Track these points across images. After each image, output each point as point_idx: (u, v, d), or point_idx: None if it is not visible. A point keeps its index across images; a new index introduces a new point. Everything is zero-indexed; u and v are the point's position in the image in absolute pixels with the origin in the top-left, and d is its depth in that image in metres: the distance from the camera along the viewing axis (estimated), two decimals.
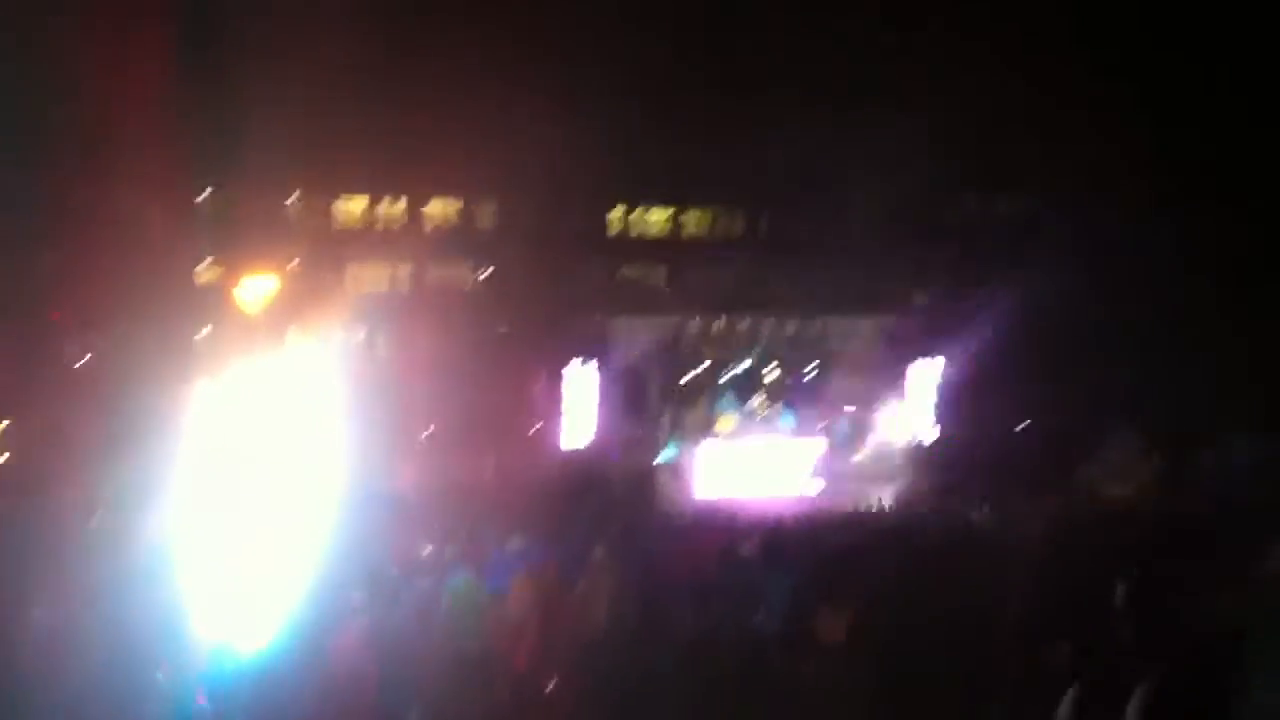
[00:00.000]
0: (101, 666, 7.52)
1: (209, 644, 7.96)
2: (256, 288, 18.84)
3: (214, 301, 18.75)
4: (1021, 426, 19.24)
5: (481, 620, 9.00)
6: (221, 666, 7.97)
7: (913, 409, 19.43)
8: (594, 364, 19.43)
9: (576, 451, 18.88)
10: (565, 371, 19.19)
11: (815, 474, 18.59)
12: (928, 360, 19.39)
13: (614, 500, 14.12)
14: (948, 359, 19.22)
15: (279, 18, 19.77)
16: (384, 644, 8.74)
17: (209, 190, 22.20)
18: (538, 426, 19.34)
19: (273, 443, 9.57)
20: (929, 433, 19.21)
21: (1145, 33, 21.24)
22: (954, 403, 18.90)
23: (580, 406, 19.15)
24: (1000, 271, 20.87)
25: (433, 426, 17.82)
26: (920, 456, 18.76)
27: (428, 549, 10.62)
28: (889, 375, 20.45)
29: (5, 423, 14.90)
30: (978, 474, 15.74)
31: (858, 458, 19.71)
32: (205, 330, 17.32)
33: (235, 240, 20.48)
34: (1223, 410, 17.47)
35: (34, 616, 8.36)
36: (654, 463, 18.85)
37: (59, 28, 17.06)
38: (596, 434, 19.11)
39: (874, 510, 14.78)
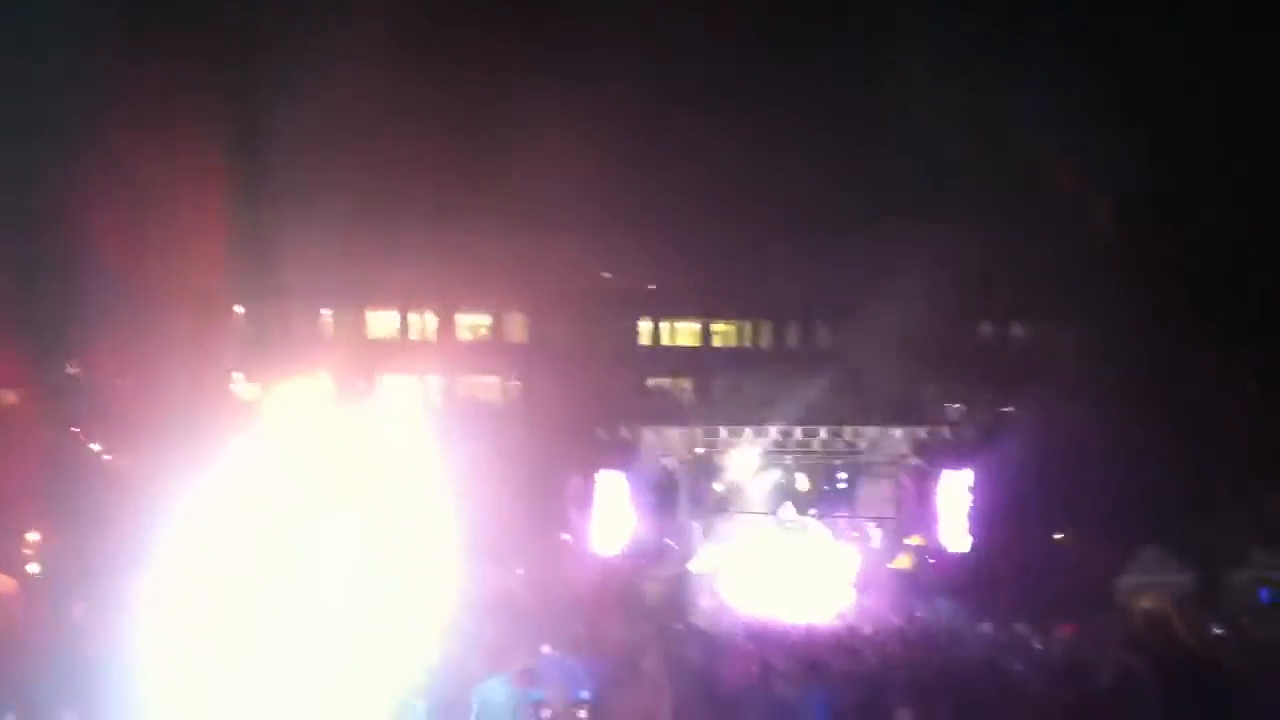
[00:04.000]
0: None
1: None
2: (290, 398, 18.93)
3: (249, 412, 18.87)
4: (1053, 540, 19.11)
5: None
6: None
7: (944, 521, 19.27)
8: (625, 473, 19.42)
9: (608, 560, 18.77)
10: (596, 480, 19.18)
11: (848, 585, 18.42)
12: (958, 472, 19.29)
13: (647, 610, 14.02)
14: (978, 471, 19.11)
15: (316, 139, 20.28)
16: None
17: (244, 305, 22.55)
18: (569, 535, 19.30)
19: (307, 551, 9.58)
20: (960, 545, 19.03)
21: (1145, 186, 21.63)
22: (985, 515, 18.75)
23: (611, 515, 19.09)
24: (1029, 388, 20.94)
25: (465, 535, 17.78)
26: (953, 569, 18.55)
27: (461, 658, 10.55)
28: (920, 487, 20.34)
29: (35, 535, 14.97)
30: (1010, 588, 15.57)
31: (890, 568, 19.54)
32: (240, 440, 17.41)
33: (270, 352, 20.72)
34: (1253, 527, 17.39)
35: None
36: (686, 572, 18.74)
37: (105, 147, 17.51)
38: (628, 542, 19.03)
39: (908, 624, 14.60)
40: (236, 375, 21.02)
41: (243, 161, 18.68)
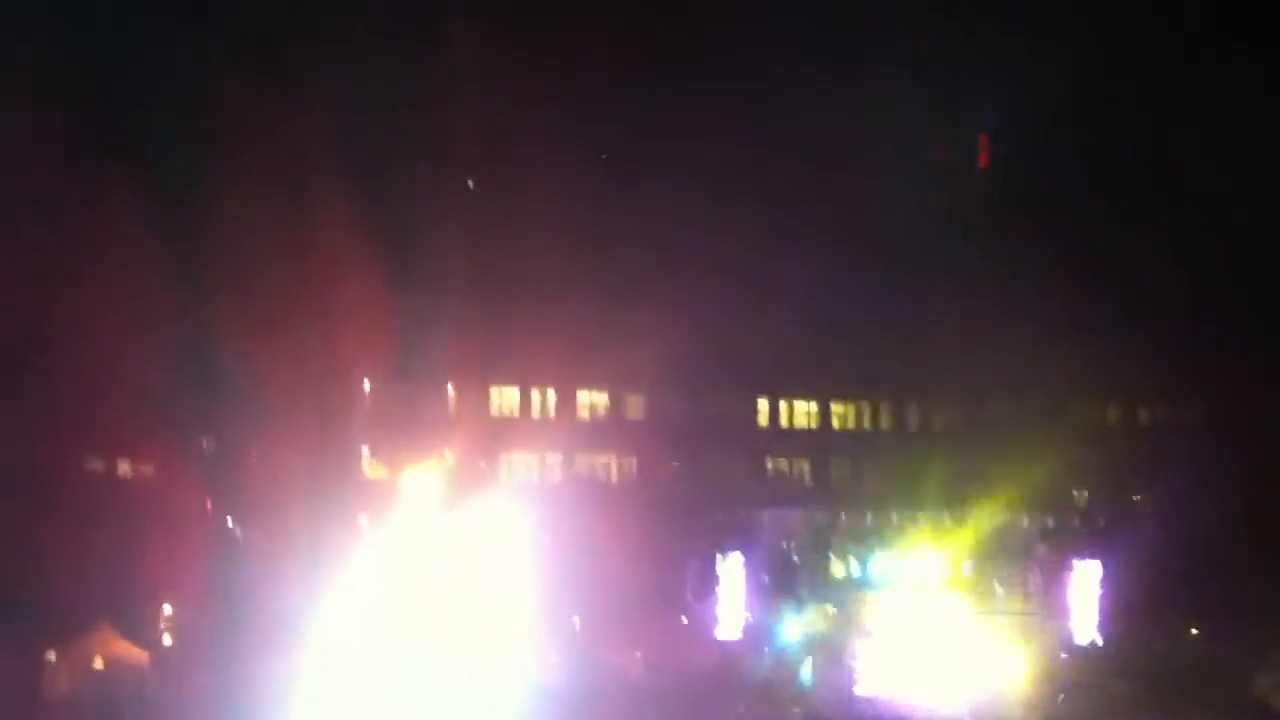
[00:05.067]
0: None
1: None
2: (415, 477, 19.32)
3: (373, 492, 19.25)
4: (1187, 634, 18.41)
5: None
6: None
7: (1075, 612, 18.72)
8: (745, 555, 19.24)
9: (727, 644, 18.57)
10: (717, 563, 19.04)
11: (974, 675, 17.91)
12: (1088, 562, 18.75)
13: (771, 695, 13.84)
14: (1109, 561, 18.56)
15: (442, 221, 20.80)
16: None
17: (371, 382, 23.03)
18: (687, 618, 19.14)
19: (433, 624, 9.73)
20: (1091, 636, 18.44)
21: None
22: (1116, 608, 18.18)
23: (731, 598, 18.90)
24: (1160, 474, 20.33)
25: (583, 615, 17.81)
26: (1086, 660, 17.99)
27: None
28: (1049, 575, 19.79)
29: (168, 608, 15.32)
30: (1147, 681, 15.04)
31: (1023, 658, 18.96)
32: (370, 516, 17.77)
33: (396, 430, 21.11)
34: None
35: None
36: (809, 656, 18.42)
37: (245, 230, 18.15)
38: (748, 625, 18.79)
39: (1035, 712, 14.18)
40: (364, 452, 21.43)
41: (375, 243, 19.21)
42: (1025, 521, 20.69)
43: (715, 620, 18.90)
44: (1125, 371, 23.55)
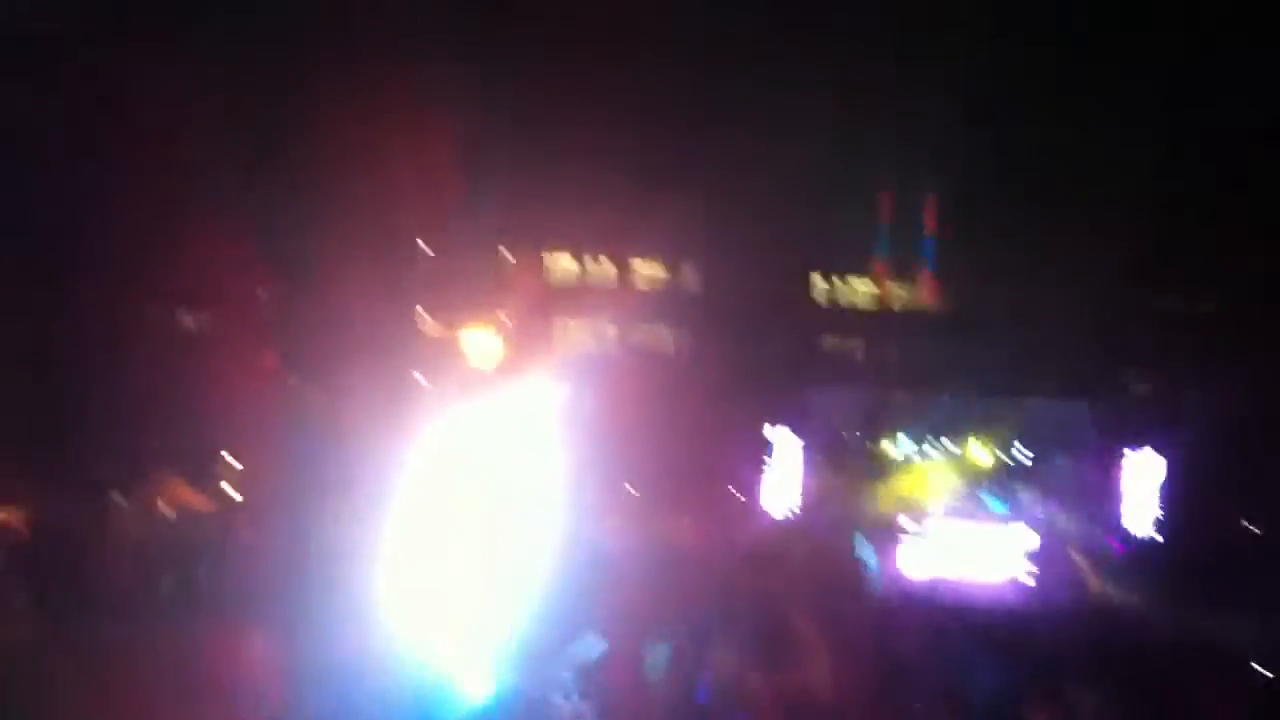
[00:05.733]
0: (326, 696, 7.79)
1: (421, 684, 8.17)
2: (471, 339, 19.44)
3: (430, 352, 19.40)
4: (1247, 528, 18.28)
5: (691, 684, 9.03)
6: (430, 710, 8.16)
7: (1129, 502, 18.66)
8: (797, 433, 19.32)
9: (779, 520, 18.75)
10: (769, 438, 19.13)
11: (1025, 563, 17.99)
12: (1145, 451, 18.62)
13: (818, 573, 13.96)
14: (1167, 451, 18.42)
15: (500, 80, 20.51)
16: (592, 703, 8.83)
17: (428, 243, 23.01)
18: (738, 490, 19.32)
19: (487, 489, 9.81)
20: (1146, 528, 18.40)
21: None
22: (1174, 498, 18.09)
23: (783, 475, 19.04)
24: (1224, 364, 19.96)
25: (638, 485, 18.01)
26: (1138, 553, 17.99)
27: (637, 610, 10.68)
28: (1104, 465, 19.70)
29: (234, 462, 15.58)
30: (1198, 577, 14.99)
31: (1070, 549, 18.99)
32: (423, 379, 17.93)
33: (452, 291, 21.17)
34: None
35: (262, 643, 8.73)
36: (858, 538, 18.55)
37: (290, 92, 18.00)
38: (800, 504, 18.95)
39: (1087, 607, 14.22)
40: (420, 312, 21.51)
41: (432, 101, 18.99)
42: (1081, 409, 20.50)
43: (767, 495, 19.08)
44: (1190, 258, 23.04)
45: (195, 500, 13.47)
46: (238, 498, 14.22)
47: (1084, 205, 20.50)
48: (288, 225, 17.00)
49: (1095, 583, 16.28)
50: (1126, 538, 18.55)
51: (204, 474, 14.30)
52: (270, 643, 8.37)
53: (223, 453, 15.20)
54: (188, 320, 17.86)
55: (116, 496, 13.19)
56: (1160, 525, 18.35)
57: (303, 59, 17.78)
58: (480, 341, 19.66)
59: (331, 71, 17.43)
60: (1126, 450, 19.19)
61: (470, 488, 9.81)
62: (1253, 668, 11.20)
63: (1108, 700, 9.57)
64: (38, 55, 14.78)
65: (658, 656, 9.73)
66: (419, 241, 22.03)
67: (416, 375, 17.79)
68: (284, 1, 18.42)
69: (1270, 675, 10.94)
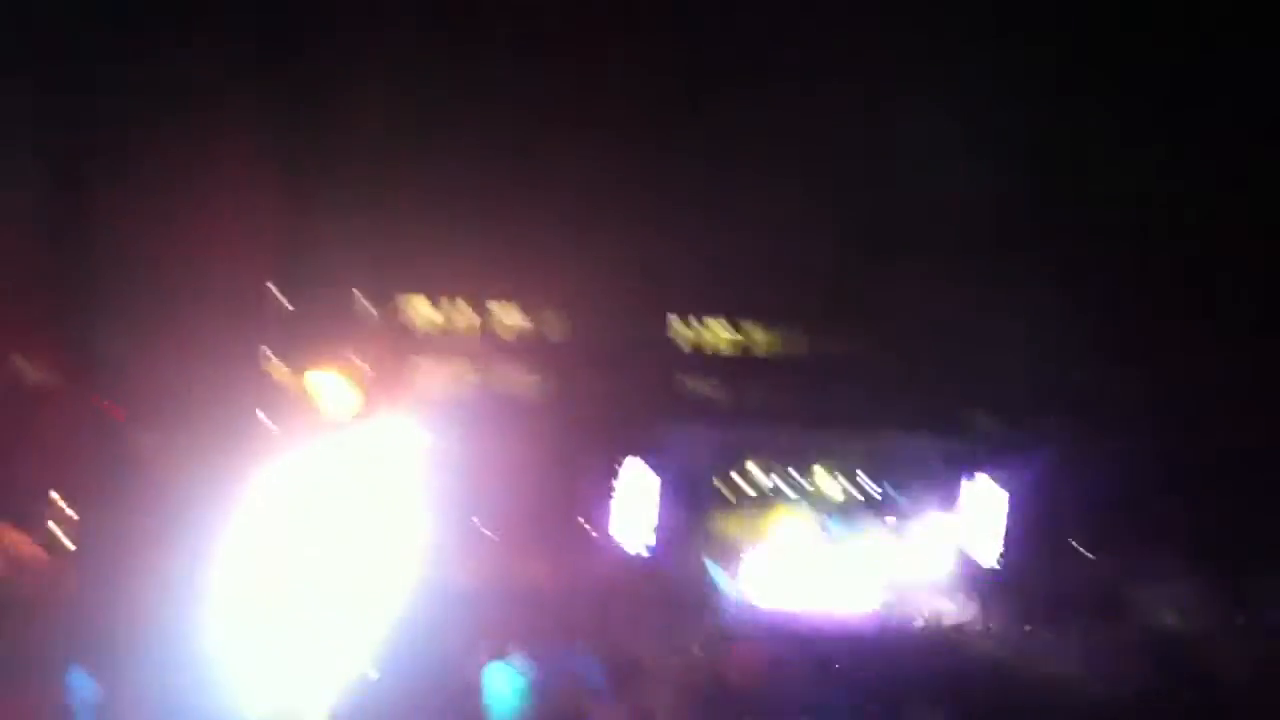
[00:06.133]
0: None
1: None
2: (321, 382, 19.10)
3: (277, 395, 19.01)
4: (1080, 555, 18.96)
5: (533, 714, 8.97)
6: None
7: (971, 530, 19.22)
8: (651, 469, 19.42)
9: (632, 555, 18.77)
10: (622, 474, 19.19)
11: (873, 590, 18.33)
12: (987, 483, 19.23)
13: (669, 606, 14.01)
14: (1007, 483, 19.06)
15: (356, 123, 20.34)
16: None
17: (277, 285, 22.60)
18: (590, 525, 19.32)
19: (337, 532, 9.63)
20: (986, 555, 18.97)
21: None
22: (1013, 528, 18.70)
23: (634, 505, 19.11)
24: (1063, 402, 20.72)
25: (490, 523, 17.88)
26: (977, 579, 18.51)
27: (485, 645, 10.58)
28: (948, 496, 20.26)
29: (70, 511, 15.03)
30: (1035, 599, 15.48)
31: (915, 575, 19.44)
32: (270, 423, 17.54)
33: (303, 334, 20.80)
34: None
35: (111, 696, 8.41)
36: (710, 570, 18.68)
37: (143, 130, 17.60)
38: (652, 537, 19.02)
39: (930, 634, 14.54)
40: (268, 355, 21.09)
41: (280, 144, 18.74)
42: (930, 443, 21.06)
43: (623, 531, 19.10)
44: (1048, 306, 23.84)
45: (23, 547, 12.95)
46: (68, 544, 13.72)
47: (927, 244, 21.11)
48: (123, 266, 16.55)
49: (938, 610, 16.67)
50: (968, 566, 19.06)
51: (32, 519, 13.76)
52: (92, 690, 8.09)
53: (52, 496, 14.66)
54: (17, 361, 17.20)
55: None
56: (1000, 553, 18.93)
57: (145, 87, 17.40)
58: (331, 384, 19.31)
59: (175, 100, 17.09)
60: (969, 481, 19.75)
61: (317, 529, 9.62)
62: (1086, 686, 11.55)
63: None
64: None
65: (505, 689, 9.65)
66: (267, 283, 21.65)
67: (260, 417, 17.41)
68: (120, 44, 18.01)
69: (1102, 694, 11.28)
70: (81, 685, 8.31)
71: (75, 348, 16.45)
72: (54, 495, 14.52)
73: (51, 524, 14.02)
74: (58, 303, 15.13)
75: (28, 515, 13.66)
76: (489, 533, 17.70)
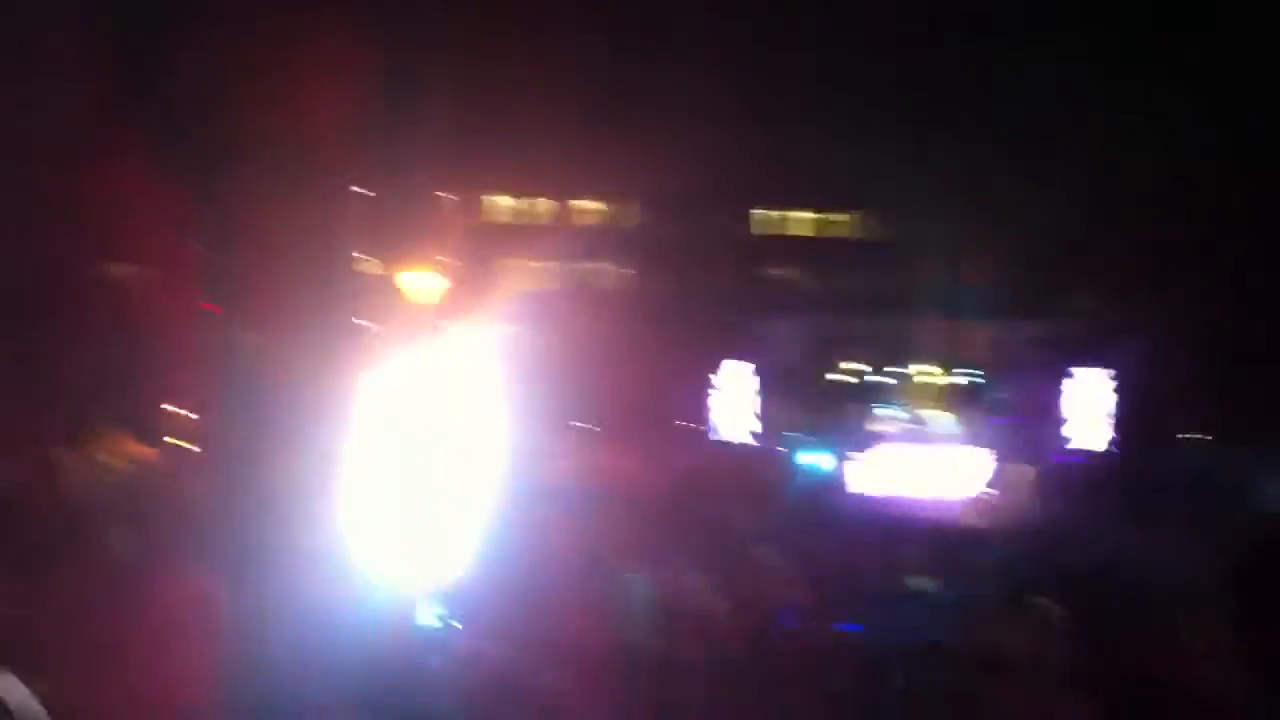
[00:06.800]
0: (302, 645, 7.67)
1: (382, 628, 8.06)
2: (413, 281, 19.23)
3: (371, 294, 19.20)
4: (1195, 443, 18.56)
5: (646, 616, 8.97)
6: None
7: (1078, 422, 18.87)
8: (746, 362, 19.36)
9: (731, 447, 18.79)
10: (718, 368, 19.16)
11: (977, 483, 18.16)
12: (1094, 368, 18.81)
13: (771, 498, 14.00)
14: (1115, 368, 18.62)
15: (430, 22, 20.15)
16: (547, 638, 8.75)
17: (365, 186, 22.67)
18: (691, 422, 19.35)
19: (435, 432, 9.65)
20: (1095, 446, 18.62)
21: None
22: (1122, 415, 18.30)
23: (733, 404, 19.08)
24: (1173, 278, 20.15)
25: (587, 419, 17.96)
26: (1087, 469, 18.21)
27: (587, 543, 10.61)
28: (1052, 384, 19.90)
29: (179, 411, 15.34)
30: (1146, 491, 15.17)
31: (1021, 467, 19.22)
32: (364, 321, 17.73)
33: (392, 234, 20.91)
34: None
35: (232, 597, 8.56)
36: (810, 462, 18.64)
37: (218, 28, 17.54)
38: (751, 432, 19.02)
39: (1039, 523, 14.36)
40: (358, 257, 21.25)
41: (366, 41, 18.60)
42: (1026, 328, 20.70)
43: (716, 425, 19.12)
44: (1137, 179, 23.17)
45: (140, 453, 13.24)
46: (185, 447, 14.00)
47: (1025, 129, 20.56)
48: (216, 172, 16.64)
49: (1046, 500, 16.46)
50: (1076, 454, 18.77)
51: (147, 427, 14.02)
52: (229, 591, 8.22)
53: (165, 404, 14.94)
54: (120, 274, 17.46)
55: (59, 454, 12.92)
56: (1110, 441, 18.59)
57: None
58: (421, 282, 19.43)
59: (257, 7, 17.00)
60: (1074, 368, 19.36)
61: (419, 431, 9.62)
62: (1202, 581, 11.31)
63: (1071, 613, 9.65)
64: None
65: (619, 594, 9.67)
66: (353, 184, 21.72)
67: (356, 318, 17.59)
68: None
69: (1219, 589, 11.07)
70: (212, 589, 8.45)
71: (172, 256, 16.65)
72: (164, 403, 14.81)
73: (164, 432, 14.31)
74: (152, 214, 15.26)
75: (147, 423, 13.94)
76: (581, 428, 17.80)
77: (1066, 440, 19.11)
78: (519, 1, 22.37)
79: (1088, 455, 18.56)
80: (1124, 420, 18.36)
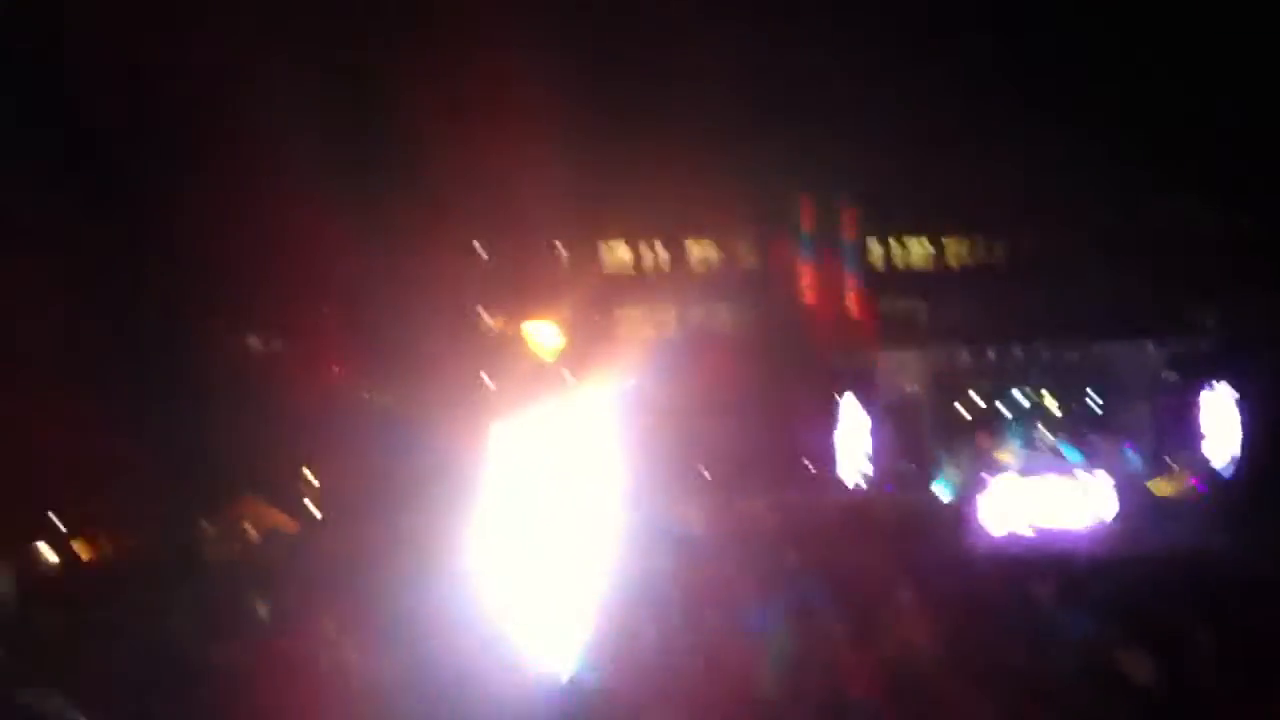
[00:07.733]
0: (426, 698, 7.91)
1: (515, 667, 8.26)
2: (535, 334, 19.58)
3: (494, 350, 19.56)
4: None
5: (778, 658, 9.03)
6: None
7: (1208, 439, 18.36)
8: (864, 400, 19.25)
9: (855, 489, 18.70)
10: (837, 408, 19.09)
11: (1106, 510, 17.78)
12: (1220, 386, 18.30)
13: (901, 538, 13.93)
14: (1242, 385, 18.10)
15: (545, 78, 20.57)
16: (676, 680, 8.87)
17: (481, 242, 23.16)
18: (811, 463, 19.28)
19: (562, 480, 9.90)
20: (1226, 465, 18.10)
21: None
22: (1255, 435, 17.75)
23: (854, 443, 18.96)
24: None
25: (710, 466, 18.08)
26: (1219, 491, 17.71)
27: (716, 588, 10.71)
28: (1179, 404, 19.42)
29: (312, 478, 15.81)
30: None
31: (1151, 492, 18.76)
32: (488, 378, 18.09)
33: (509, 288, 21.30)
34: None
35: (353, 649, 8.86)
36: (936, 499, 18.47)
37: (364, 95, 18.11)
38: (874, 471, 18.89)
39: (1172, 548, 14.01)
40: (480, 312, 21.69)
41: (483, 100, 19.09)
42: (1151, 348, 20.21)
43: (840, 465, 19.02)
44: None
45: (278, 520, 13.71)
46: (318, 514, 14.47)
47: (1140, 138, 20.13)
48: (351, 241, 17.20)
49: (1180, 525, 16.03)
50: (1208, 477, 18.25)
51: (286, 493, 14.53)
52: (364, 654, 8.52)
53: (303, 470, 15.46)
54: (261, 343, 18.11)
55: (203, 522, 13.46)
56: (1241, 462, 18.04)
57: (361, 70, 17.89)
58: (542, 335, 19.79)
59: (389, 82, 17.54)
60: (1202, 388, 18.87)
61: (546, 483, 9.88)
62: None
63: (1210, 644, 9.43)
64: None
65: (755, 643, 9.74)
66: (475, 243, 22.19)
67: (482, 375, 17.95)
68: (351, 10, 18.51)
69: None
70: (337, 648, 8.79)
71: (310, 325, 17.22)
72: (296, 464, 15.33)
73: (302, 497, 14.83)
74: (292, 283, 15.84)
75: (280, 490, 14.44)
76: (707, 474, 17.90)
77: (1200, 463, 18.63)
78: (630, 49, 22.68)
79: (1222, 477, 18.06)
80: (1257, 439, 17.80)
